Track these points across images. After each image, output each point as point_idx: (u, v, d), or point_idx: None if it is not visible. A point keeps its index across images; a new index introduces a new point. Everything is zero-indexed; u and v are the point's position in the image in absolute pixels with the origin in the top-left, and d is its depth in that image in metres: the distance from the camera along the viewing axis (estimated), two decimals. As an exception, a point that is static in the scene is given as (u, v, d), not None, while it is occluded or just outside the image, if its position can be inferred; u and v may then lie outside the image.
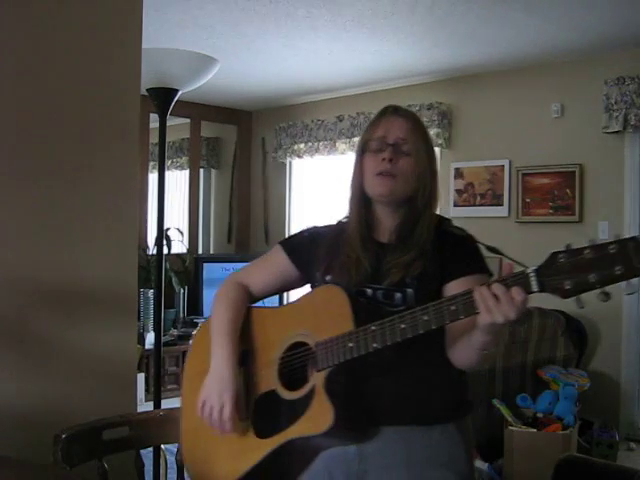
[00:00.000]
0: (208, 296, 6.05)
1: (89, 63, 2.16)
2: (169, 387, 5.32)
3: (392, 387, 1.44)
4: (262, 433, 1.51)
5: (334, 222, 1.66)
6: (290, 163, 6.45)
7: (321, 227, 1.67)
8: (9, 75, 2.00)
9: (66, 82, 2.12)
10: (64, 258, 2.11)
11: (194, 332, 1.77)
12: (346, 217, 1.62)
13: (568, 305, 4.22)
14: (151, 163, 6.06)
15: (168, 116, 2.94)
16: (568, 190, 4.63)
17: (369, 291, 1.50)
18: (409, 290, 1.46)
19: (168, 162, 6.50)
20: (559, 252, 1.17)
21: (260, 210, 6.68)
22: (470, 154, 5.19)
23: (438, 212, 1.61)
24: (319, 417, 1.39)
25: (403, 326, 1.32)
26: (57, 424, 1.67)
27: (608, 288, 1.14)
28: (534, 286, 1.19)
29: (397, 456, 1.44)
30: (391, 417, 1.44)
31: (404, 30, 4.16)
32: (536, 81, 4.84)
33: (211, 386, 1.52)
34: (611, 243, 1.12)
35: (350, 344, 1.37)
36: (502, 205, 4.97)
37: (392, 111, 1.58)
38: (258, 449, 1.50)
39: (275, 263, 1.66)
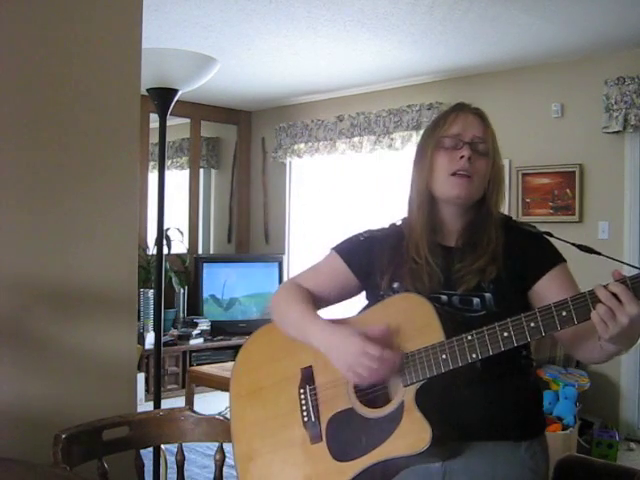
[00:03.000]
0: (208, 289, 6.05)
1: (89, 63, 2.16)
2: (169, 387, 5.33)
3: (481, 400, 1.36)
4: (341, 456, 1.39)
5: (387, 225, 1.58)
6: (290, 163, 6.45)
7: (376, 230, 1.58)
8: (9, 75, 2.00)
9: (66, 82, 2.11)
10: (64, 258, 2.11)
11: (247, 342, 1.59)
12: (401, 220, 1.55)
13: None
14: (151, 163, 6.06)
15: (168, 116, 2.94)
16: (568, 190, 4.63)
17: (444, 297, 1.42)
18: (487, 294, 1.40)
19: (168, 162, 6.50)
20: None
21: (260, 210, 6.68)
22: (470, 154, 5.18)
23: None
24: (413, 435, 1.29)
25: (506, 334, 1.24)
26: (57, 424, 1.67)
27: None
28: None
29: (483, 473, 1.36)
30: (478, 431, 1.36)
31: (404, 30, 4.16)
32: (536, 81, 4.84)
33: (339, 351, 1.36)
34: None
35: (443, 356, 1.29)
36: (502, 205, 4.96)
37: (467, 108, 1.50)
38: (340, 473, 1.38)
39: (332, 271, 1.55)
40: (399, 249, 1.49)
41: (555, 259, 1.45)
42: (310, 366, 1.48)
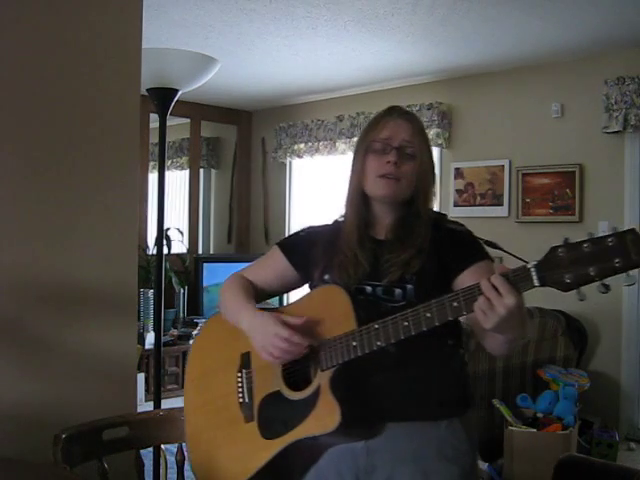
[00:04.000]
0: (209, 289, 6.05)
1: (89, 63, 2.16)
2: (169, 387, 5.32)
3: (397, 383, 1.45)
4: (268, 434, 1.51)
5: (330, 222, 1.67)
6: (290, 163, 6.45)
7: (318, 227, 1.68)
8: (8, 75, 2.00)
9: (66, 82, 2.11)
10: (64, 258, 2.11)
11: (195, 332, 1.78)
12: (342, 216, 1.64)
13: (568, 305, 4.22)
14: (151, 163, 6.06)
15: (168, 116, 2.94)
16: (568, 190, 4.63)
17: (368, 288, 1.51)
18: (409, 286, 1.48)
19: (168, 162, 6.50)
20: (558, 246, 1.19)
21: (260, 210, 6.68)
22: (470, 154, 5.19)
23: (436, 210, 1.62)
24: (326, 416, 1.40)
25: (406, 324, 1.33)
26: (57, 424, 1.67)
27: (607, 280, 1.16)
28: (535, 281, 1.21)
29: (404, 451, 1.46)
30: (397, 413, 1.46)
31: (404, 30, 4.16)
32: (536, 81, 4.84)
33: (257, 332, 1.49)
34: (609, 236, 1.13)
35: (354, 343, 1.39)
36: (502, 205, 4.97)
37: (397, 113, 1.59)
38: (265, 450, 1.50)
39: (274, 264, 1.67)
40: (335, 243, 1.58)
41: (477, 256, 1.52)
42: (248, 351, 1.58)
